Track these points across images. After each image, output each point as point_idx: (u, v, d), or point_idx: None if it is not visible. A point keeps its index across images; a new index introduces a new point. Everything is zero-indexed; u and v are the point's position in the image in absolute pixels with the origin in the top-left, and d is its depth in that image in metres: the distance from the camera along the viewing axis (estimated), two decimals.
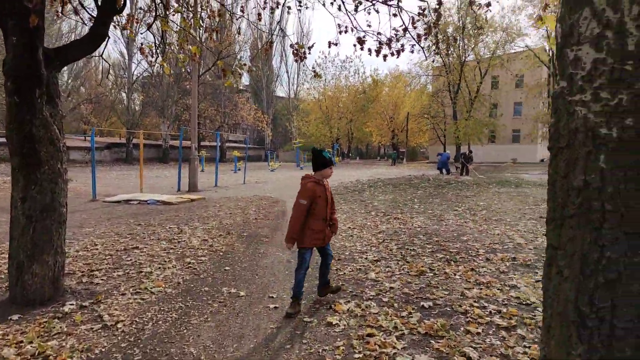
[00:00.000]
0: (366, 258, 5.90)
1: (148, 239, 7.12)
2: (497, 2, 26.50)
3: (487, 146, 47.81)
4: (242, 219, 9.24)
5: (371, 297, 4.30)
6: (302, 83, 66.40)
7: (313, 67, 7.46)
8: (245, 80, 68.78)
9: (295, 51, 7.08)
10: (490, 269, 5.16)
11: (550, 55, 39.22)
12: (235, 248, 6.64)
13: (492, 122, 47.16)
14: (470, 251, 6.07)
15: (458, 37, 43.12)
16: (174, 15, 6.98)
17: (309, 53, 7.16)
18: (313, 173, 4.13)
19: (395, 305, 4.06)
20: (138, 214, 10.02)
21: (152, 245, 6.71)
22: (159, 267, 5.46)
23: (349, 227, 8.26)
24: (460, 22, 42.96)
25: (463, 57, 43.40)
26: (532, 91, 40.56)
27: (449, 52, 44.10)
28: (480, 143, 44.04)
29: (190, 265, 5.66)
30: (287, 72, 76.49)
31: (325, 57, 55.24)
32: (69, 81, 51.13)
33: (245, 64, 7.98)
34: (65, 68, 48.84)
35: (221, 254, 6.29)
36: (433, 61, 45.66)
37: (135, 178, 21.65)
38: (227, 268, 5.53)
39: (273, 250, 6.50)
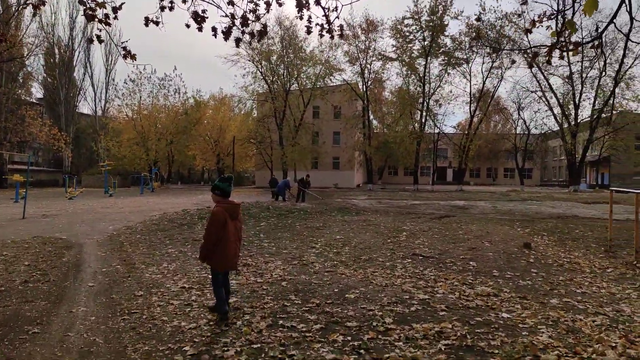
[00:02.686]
0: (222, 357, 3.47)
1: None
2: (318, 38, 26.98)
3: (311, 172, 49.01)
4: (0, 285, 5.67)
5: None
6: (112, 99, 58.62)
7: (123, 44, 4.71)
8: (37, 92, 57.47)
9: (88, 11, 4.31)
10: None
11: (364, 89, 42.47)
12: None
13: (315, 150, 48.76)
14: (374, 323, 4.16)
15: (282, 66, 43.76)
16: None
17: (115, 18, 4.47)
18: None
19: None
20: None
21: None
22: None
23: (183, 287, 5.61)
24: (284, 51, 43.59)
25: (287, 86, 43.95)
26: (350, 122, 43.04)
27: (273, 79, 44.36)
28: (306, 169, 44.74)
29: None
30: (92, 85, 66.63)
31: (140, 72, 49.39)
32: None
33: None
34: None
35: None
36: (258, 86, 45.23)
37: None
38: None
39: (46, 354, 3.51)
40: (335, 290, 5.36)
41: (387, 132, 45.65)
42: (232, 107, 54.14)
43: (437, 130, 47.06)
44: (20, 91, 47.00)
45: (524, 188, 43.61)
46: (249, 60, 44.06)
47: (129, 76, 66.87)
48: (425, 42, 39.19)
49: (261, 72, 44.30)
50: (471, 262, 6.85)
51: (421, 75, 40.18)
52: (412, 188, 40.74)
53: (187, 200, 23.36)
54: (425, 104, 40.71)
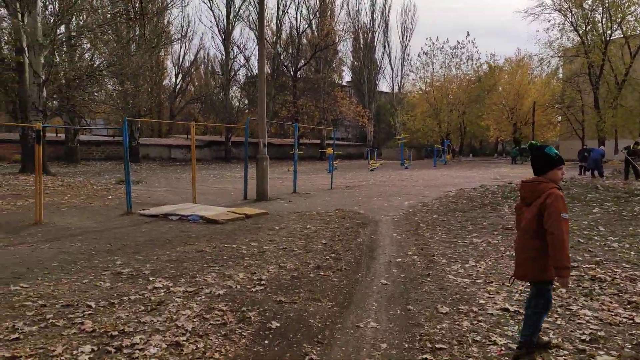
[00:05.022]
0: None
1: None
2: None
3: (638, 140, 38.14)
4: (295, 267, 5.21)
5: None
6: (407, 74, 60.89)
7: None
8: (347, 75, 65.46)
9: None
10: None
11: None
12: None
13: None
14: None
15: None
16: None
17: None
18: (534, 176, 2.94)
19: None
20: (155, 241, 6.61)
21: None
22: None
23: (505, 309, 3.79)
24: None
25: (607, 34, 34.88)
26: None
27: (587, 28, 35.98)
28: (632, 136, 34.98)
29: None
30: (390, 64, 70.96)
31: (433, 43, 48.96)
32: (178, 82, 52.51)
33: None
34: (173, 69, 50.27)
35: None
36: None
37: (219, 180, 19.18)
38: None
39: None
40: None
41: None
42: (531, 69, 47.52)
43: None
44: (334, 75, 54.34)
45: None
46: (555, 10, 37.13)
47: (422, 49, 67.94)
48: None
49: (571, 22, 36.82)
50: None
51: None
52: None
53: (482, 175, 21.23)
54: None
